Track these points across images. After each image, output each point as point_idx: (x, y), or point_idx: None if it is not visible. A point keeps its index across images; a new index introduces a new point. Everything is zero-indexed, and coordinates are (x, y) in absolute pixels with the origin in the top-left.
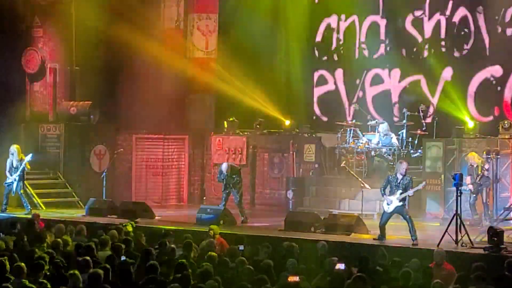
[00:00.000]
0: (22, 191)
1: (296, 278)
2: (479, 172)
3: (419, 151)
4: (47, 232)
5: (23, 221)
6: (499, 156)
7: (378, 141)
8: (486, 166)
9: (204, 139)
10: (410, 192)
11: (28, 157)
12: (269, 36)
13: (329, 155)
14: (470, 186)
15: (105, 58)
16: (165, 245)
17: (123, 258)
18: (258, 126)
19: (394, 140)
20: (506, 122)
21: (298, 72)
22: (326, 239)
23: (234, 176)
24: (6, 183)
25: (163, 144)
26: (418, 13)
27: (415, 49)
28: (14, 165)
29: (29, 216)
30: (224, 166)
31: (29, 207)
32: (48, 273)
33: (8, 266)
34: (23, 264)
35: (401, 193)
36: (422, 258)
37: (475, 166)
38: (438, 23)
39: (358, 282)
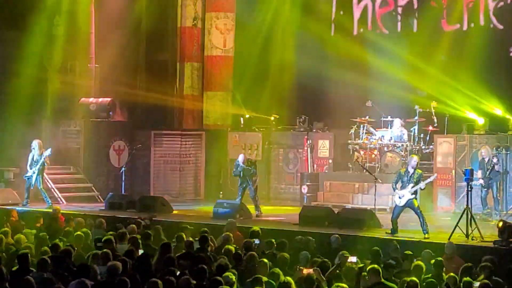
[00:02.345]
0: (42, 186)
1: (310, 271)
2: (489, 167)
3: (431, 146)
4: (67, 225)
5: (45, 216)
6: (508, 152)
7: (391, 137)
8: (495, 160)
9: (221, 135)
10: (422, 184)
11: (47, 152)
12: (283, 32)
13: (343, 151)
14: (481, 181)
15: (124, 56)
16: (183, 239)
17: (141, 251)
18: (273, 122)
19: (406, 136)
20: None
21: (313, 68)
22: (340, 233)
23: (250, 167)
24: (26, 176)
25: (181, 140)
26: None
27: None
28: (35, 159)
29: (50, 210)
30: (240, 158)
31: (50, 202)
32: (70, 266)
33: (30, 259)
34: (45, 257)
35: (412, 187)
36: (433, 251)
37: (486, 160)
38: None
39: (371, 275)
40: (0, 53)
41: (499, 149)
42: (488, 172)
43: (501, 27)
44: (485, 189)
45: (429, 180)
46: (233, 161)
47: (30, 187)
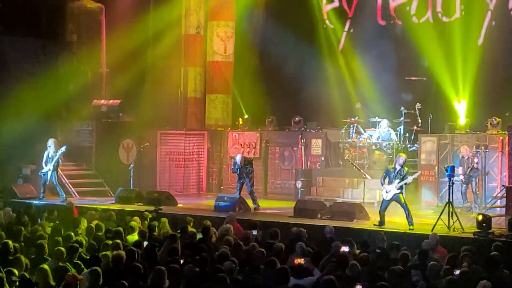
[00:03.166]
0: (57, 181)
1: (301, 261)
2: (470, 166)
3: (415, 145)
4: (80, 218)
5: (59, 209)
6: (487, 150)
7: (379, 136)
8: (476, 159)
9: (222, 135)
10: (410, 179)
11: (62, 149)
12: (281, 39)
13: (334, 149)
14: (462, 177)
15: (132, 61)
16: (187, 230)
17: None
18: (270, 121)
19: (393, 135)
20: (494, 118)
21: (306, 71)
22: (332, 224)
23: (247, 166)
24: (41, 172)
25: (185, 139)
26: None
27: None
28: (50, 156)
29: (64, 204)
30: (238, 157)
31: (64, 196)
32: (83, 255)
33: (46, 249)
34: (60, 247)
35: (398, 182)
36: (417, 242)
37: (466, 158)
38: None
39: (361, 262)
40: (18, 58)
41: (478, 148)
42: (468, 170)
43: None
44: (465, 185)
45: (413, 176)
46: (233, 158)
47: (45, 183)
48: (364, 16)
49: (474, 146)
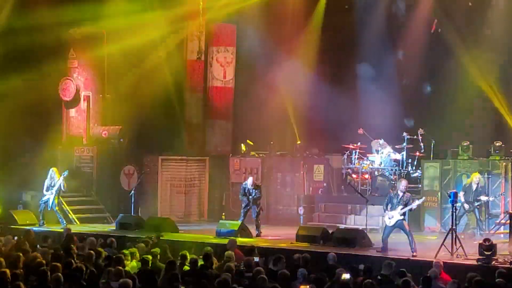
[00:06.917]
0: (57, 208)
1: (307, 287)
2: (477, 198)
3: (418, 171)
4: (80, 244)
5: (59, 235)
6: (490, 176)
7: (381, 162)
8: (483, 193)
9: (223, 161)
10: (414, 205)
11: (64, 173)
12: (280, 64)
13: (336, 175)
14: (466, 206)
15: (133, 86)
16: (187, 257)
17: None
18: (271, 143)
19: (395, 161)
20: (497, 143)
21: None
22: (334, 251)
23: (256, 190)
24: (42, 200)
25: (186, 165)
26: None
27: None
28: (52, 184)
29: (62, 230)
30: (249, 181)
31: (65, 222)
32: (83, 283)
33: (48, 275)
34: (60, 274)
35: (402, 209)
36: (421, 269)
37: (474, 187)
38: None
39: None
40: (18, 85)
41: (481, 174)
42: (476, 202)
43: None
44: (468, 213)
45: (418, 202)
46: (234, 185)
47: (46, 209)
48: None
49: (477, 172)
